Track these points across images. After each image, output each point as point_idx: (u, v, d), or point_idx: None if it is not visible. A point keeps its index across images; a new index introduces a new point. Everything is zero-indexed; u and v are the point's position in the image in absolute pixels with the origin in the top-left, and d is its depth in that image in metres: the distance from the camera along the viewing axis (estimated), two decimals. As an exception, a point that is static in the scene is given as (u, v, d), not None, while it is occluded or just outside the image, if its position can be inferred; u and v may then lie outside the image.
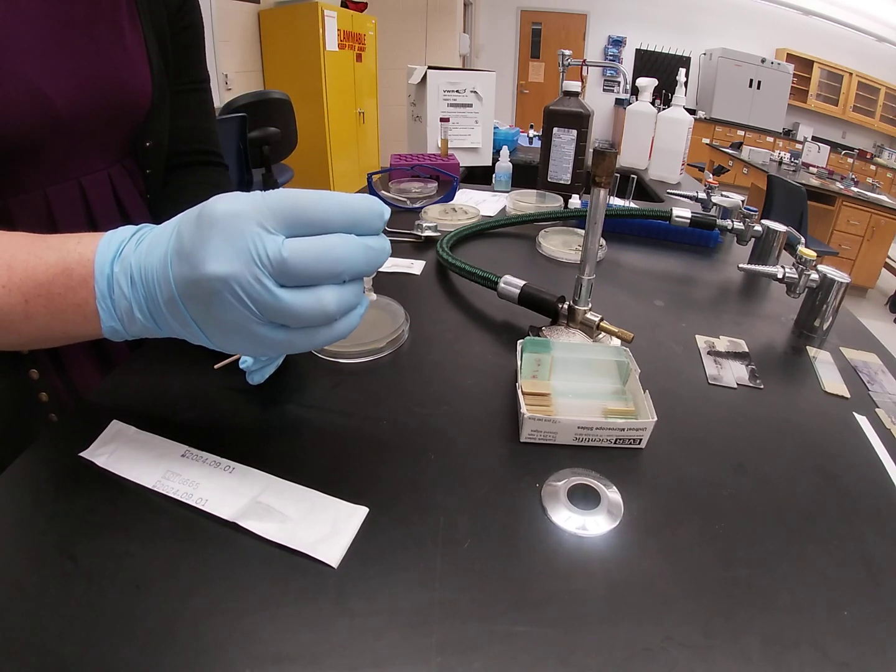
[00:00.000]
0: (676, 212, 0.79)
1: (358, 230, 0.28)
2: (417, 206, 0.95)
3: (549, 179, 1.06)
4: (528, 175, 1.43)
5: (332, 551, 0.30)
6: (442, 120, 1.32)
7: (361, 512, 0.33)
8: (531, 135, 1.87)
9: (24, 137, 0.43)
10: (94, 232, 0.31)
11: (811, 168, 4.12)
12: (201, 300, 0.27)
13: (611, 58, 6.08)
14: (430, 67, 1.32)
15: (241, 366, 0.43)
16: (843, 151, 4.48)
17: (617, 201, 1.01)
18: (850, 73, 5.75)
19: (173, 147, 0.59)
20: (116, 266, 0.29)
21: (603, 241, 0.79)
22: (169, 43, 0.55)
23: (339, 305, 0.28)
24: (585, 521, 0.34)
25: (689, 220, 0.78)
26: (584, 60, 1.36)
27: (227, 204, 0.26)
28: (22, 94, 0.41)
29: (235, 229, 0.26)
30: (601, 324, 0.50)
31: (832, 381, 0.50)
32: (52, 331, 0.31)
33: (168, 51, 0.55)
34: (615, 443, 0.40)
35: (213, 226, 0.26)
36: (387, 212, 0.29)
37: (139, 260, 0.29)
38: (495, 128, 1.61)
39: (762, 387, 0.49)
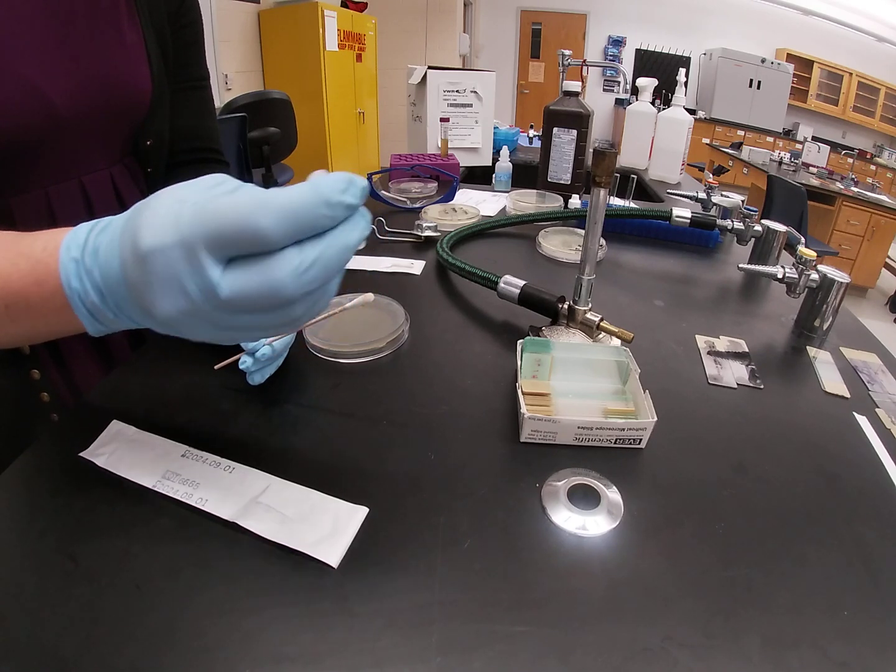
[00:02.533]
0: (676, 212, 0.79)
1: (311, 232, 0.24)
2: (417, 206, 0.95)
3: (549, 179, 1.06)
4: (528, 175, 1.42)
5: (332, 551, 0.30)
6: (442, 120, 1.32)
7: (361, 512, 0.33)
8: (531, 135, 1.87)
9: (24, 137, 0.43)
10: (59, 230, 0.30)
11: (811, 168, 4.11)
12: (162, 326, 0.26)
13: (611, 58, 6.08)
14: (430, 67, 1.32)
15: (240, 366, 0.43)
16: (843, 151, 4.48)
17: (617, 201, 1.01)
18: (850, 73, 5.74)
19: (174, 145, 0.59)
20: (84, 281, 0.28)
21: (603, 241, 0.79)
22: (169, 41, 0.55)
23: (304, 288, 0.24)
24: (585, 521, 0.34)
25: (689, 220, 0.78)
26: (584, 60, 1.36)
27: (152, 236, 0.24)
28: (21, 94, 0.41)
29: (167, 269, 0.24)
30: (601, 324, 0.50)
31: (832, 381, 0.50)
32: (38, 331, 0.31)
33: (168, 49, 0.55)
34: (615, 443, 0.40)
35: (146, 265, 0.24)
36: (351, 189, 0.24)
37: (101, 275, 0.27)
38: (495, 128, 1.61)
39: (762, 387, 0.49)
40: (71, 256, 0.28)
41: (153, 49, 0.52)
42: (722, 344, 0.55)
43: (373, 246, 0.78)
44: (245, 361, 0.42)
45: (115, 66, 0.48)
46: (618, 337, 0.48)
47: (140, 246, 0.24)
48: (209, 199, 0.24)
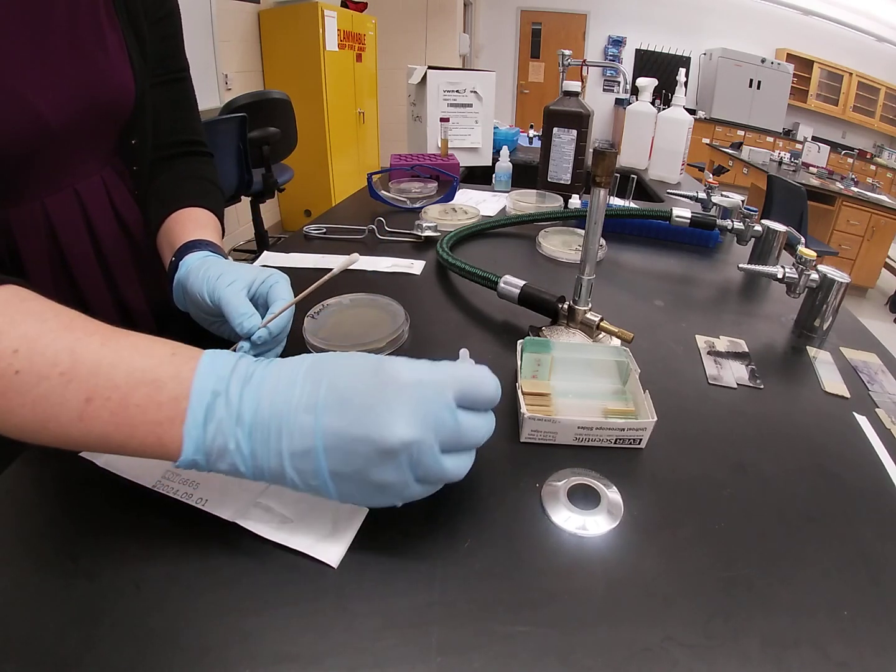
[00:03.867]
0: (676, 212, 0.79)
1: (485, 407, 0.31)
2: (417, 206, 0.95)
3: (549, 179, 1.06)
4: (528, 175, 1.42)
5: (332, 551, 0.30)
6: (442, 120, 1.32)
7: (361, 512, 0.33)
8: (531, 135, 1.87)
9: (16, 149, 0.43)
10: (189, 347, 0.29)
11: (811, 168, 4.11)
12: (360, 458, 0.27)
13: (611, 58, 6.08)
14: (430, 67, 1.32)
15: (237, 351, 0.42)
16: (843, 151, 4.48)
17: (617, 201, 1.01)
18: (850, 73, 5.74)
19: (157, 139, 0.58)
20: (220, 401, 0.27)
21: (603, 241, 0.79)
22: (146, 36, 0.54)
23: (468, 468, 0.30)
24: (585, 521, 0.34)
25: (689, 220, 0.78)
26: (584, 60, 1.36)
27: (411, 371, 0.28)
28: (9, 107, 0.41)
29: (423, 397, 0.27)
30: (601, 324, 0.50)
31: (832, 381, 0.50)
32: (101, 441, 0.27)
33: (146, 44, 0.54)
34: (615, 443, 0.40)
35: (402, 391, 0.27)
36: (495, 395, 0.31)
37: (254, 398, 0.27)
38: (495, 128, 1.61)
39: (762, 387, 0.49)
40: (213, 368, 0.28)
41: (134, 48, 0.52)
42: (722, 344, 0.55)
43: (373, 246, 0.78)
44: (242, 346, 0.42)
45: (99, 71, 0.48)
46: (618, 337, 0.48)
47: (401, 376, 0.28)
48: (450, 365, 0.30)
